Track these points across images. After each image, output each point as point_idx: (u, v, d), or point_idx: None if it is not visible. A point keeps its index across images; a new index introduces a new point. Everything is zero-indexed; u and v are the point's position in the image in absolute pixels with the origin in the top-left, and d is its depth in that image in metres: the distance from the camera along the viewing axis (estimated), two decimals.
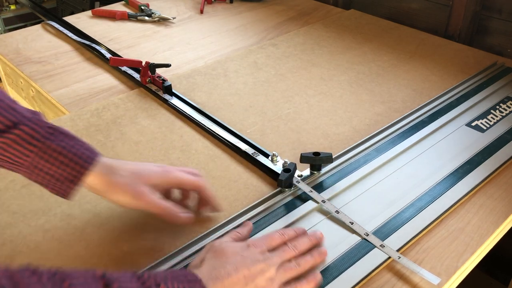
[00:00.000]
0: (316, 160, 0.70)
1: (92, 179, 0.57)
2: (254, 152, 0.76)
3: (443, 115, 0.86)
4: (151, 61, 0.96)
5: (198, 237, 0.61)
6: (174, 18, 1.33)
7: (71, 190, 0.58)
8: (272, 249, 0.54)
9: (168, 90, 0.94)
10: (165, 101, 0.92)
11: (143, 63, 0.96)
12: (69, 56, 1.14)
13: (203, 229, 0.62)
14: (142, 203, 0.58)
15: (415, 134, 0.81)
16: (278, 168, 0.73)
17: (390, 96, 0.94)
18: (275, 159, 0.74)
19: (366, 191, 0.69)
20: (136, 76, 1.00)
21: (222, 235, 0.61)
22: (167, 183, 0.61)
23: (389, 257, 0.58)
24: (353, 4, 1.41)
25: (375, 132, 0.81)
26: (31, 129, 0.56)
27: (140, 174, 0.59)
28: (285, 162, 0.72)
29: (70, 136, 0.58)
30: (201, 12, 1.37)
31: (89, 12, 1.38)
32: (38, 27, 1.31)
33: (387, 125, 0.83)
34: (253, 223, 0.62)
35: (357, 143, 0.79)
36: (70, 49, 1.17)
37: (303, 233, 0.58)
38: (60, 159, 0.56)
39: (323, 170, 0.73)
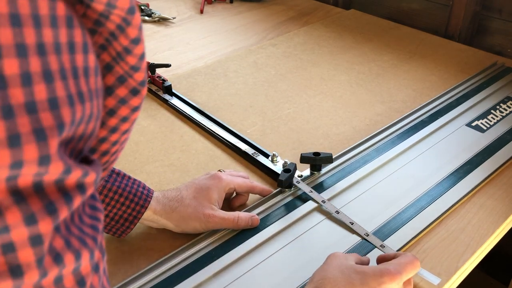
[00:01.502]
0: (316, 160, 0.70)
1: (151, 216, 0.59)
2: (254, 152, 0.76)
3: (443, 115, 0.86)
4: (151, 61, 0.96)
5: (198, 237, 0.61)
6: (174, 18, 1.33)
7: (129, 230, 0.59)
8: None
9: (168, 90, 0.94)
10: (165, 101, 0.92)
11: None
12: None
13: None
14: (212, 224, 0.60)
15: (415, 134, 0.81)
16: (278, 168, 0.73)
17: (390, 96, 0.94)
18: (275, 159, 0.74)
19: (366, 191, 0.69)
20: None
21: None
22: (224, 191, 0.63)
23: None
24: (353, 4, 1.41)
25: (375, 132, 0.81)
26: None
27: (200, 197, 0.61)
28: (285, 162, 0.72)
29: (122, 174, 0.59)
30: (201, 12, 1.37)
31: None
32: None
33: (387, 125, 0.83)
34: None
35: (357, 143, 0.78)
36: None
37: None
38: (120, 200, 0.57)
39: (323, 170, 0.72)
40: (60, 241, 0.24)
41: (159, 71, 0.97)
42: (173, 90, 0.94)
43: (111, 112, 0.31)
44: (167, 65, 0.96)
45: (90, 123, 0.25)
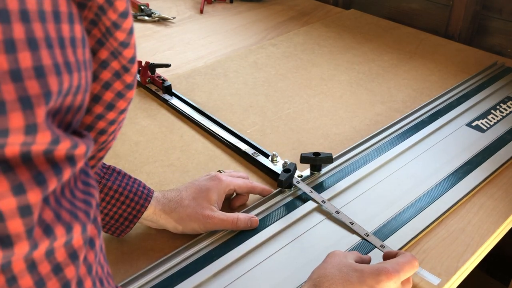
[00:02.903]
0: (316, 160, 0.70)
1: (151, 216, 0.59)
2: (254, 152, 0.76)
3: (443, 115, 0.86)
4: (151, 61, 0.96)
5: (198, 237, 0.61)
6: (174, 18, 1.33)
7: (128, 229, 0.59)
8: None
9: (168, 90, 0.94)
10: (165, 101, 0.92)
11: (143, 63, 0.96)
12: None
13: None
14: (211, 225, 0.60)
15: (415, 134, 0.81)
16: (278, 168, 0.73)
17: (390, 96, 0.94)
18: (275, 159, 0.74)
19: (366, 192, 0.69)
20: (136, 76, 0.99)
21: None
22: (224, 192, 0.63)
23: None
24: (353, 4, 1.41)
25: (375, 132, 0.81)
26: None
27: (199, 197, 0.61)
28: (285, 162, 0.72)
29: (123, 174, 0.59)
30: (201, 12, 1.37)
31: None
32: None
33: (387, 125, 0.83)
34: None
35: (357, 143, 0.78)
36: None
37: None
38: (120, 199, 0.57)
39: (323, 170, 0.72)
40: (50, 213, 0.24)
41: (159, 71, 0.97)
42: (173, 90, 0.94)
43: (106, 85, 0.31)
44: (167, 65, 0.96)
45: (78, 95, 0.25)
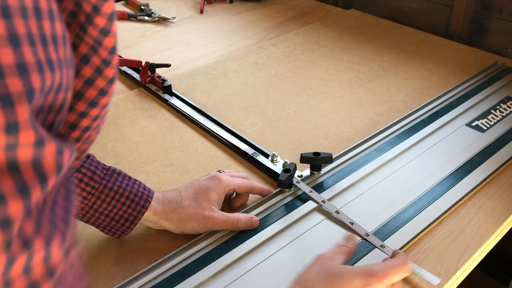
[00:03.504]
0: (316, 160, 0.70)
1: (151, 216, 0.59)
2: (254, 152, 0.76)
3: (443, 115, 0.86)
4: (151, 61, 0.96)
5: (198, 237, 0.61)
6: (174, 18, 1.33)
7: (129, 230, 0.59)
8: None
9: (168, 90, 0.94)
10: (165, 101, 0.92)
11: (143, 63, 0.96)
12: None
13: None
14: (211, 225, 0.60)
15: (415, 134, 0.81)
16: (278, 168, 0.73)
17: (390, 96, 0.94)
18: (275, 159, 0.74)
19: (366, 191, 0.69)
20: (136, 76, 1.00)
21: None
22: (224, 192, 0.63)
23: None
24: (353, 4, 1.41)
25: (375, 132, 0.81)
26: (90, 171, 0.56)
27: (199, 198, 0.61)
28: (285, 162, 0.72)
29: (123, 174, 0.59)
30: (201, 12, 1.37)
31: None
32: None
33: (387, 125, 0.83)
34: None
35: (357, 143, 0.78)
36: None
37: None
38: (121, 200, 0.57)
39: (323, 170, 0.72)
40: (30, 225, 0.23)
41: (159, 71, 0.97)
42: (173, 90, 0.94)
43: (88, 82, 0.30)
44: (167, 65, 0.96)
45: (59, 94, 0.24)
